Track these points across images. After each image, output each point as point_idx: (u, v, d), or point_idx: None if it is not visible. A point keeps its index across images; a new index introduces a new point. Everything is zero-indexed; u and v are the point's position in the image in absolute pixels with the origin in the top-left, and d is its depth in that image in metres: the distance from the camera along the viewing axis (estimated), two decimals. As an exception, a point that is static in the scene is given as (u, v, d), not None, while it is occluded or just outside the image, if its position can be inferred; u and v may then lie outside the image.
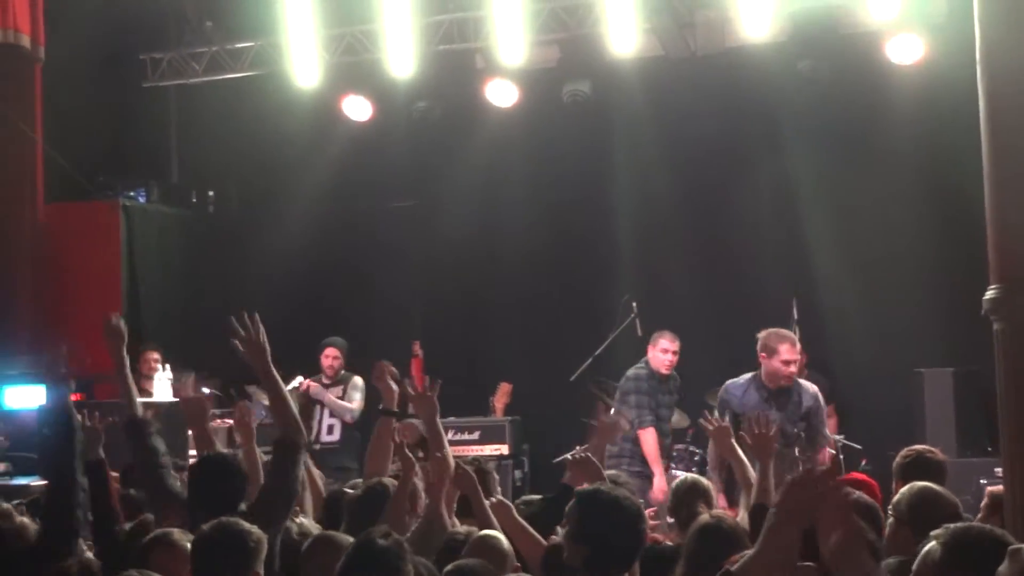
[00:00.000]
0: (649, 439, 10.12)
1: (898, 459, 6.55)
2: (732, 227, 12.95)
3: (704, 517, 5.16)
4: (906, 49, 11.48)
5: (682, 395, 10.80)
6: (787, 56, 11.84)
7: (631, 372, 10.42)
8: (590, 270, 13.37)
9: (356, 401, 11.53)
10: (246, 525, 4.53)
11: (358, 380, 11.55)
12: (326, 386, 11.59)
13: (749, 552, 3.82)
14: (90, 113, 13.33)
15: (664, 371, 10.39)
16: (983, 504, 6.12)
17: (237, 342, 5.45)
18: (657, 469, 10.09)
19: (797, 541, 3.49)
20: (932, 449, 6.71)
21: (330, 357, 11.66)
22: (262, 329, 5.57)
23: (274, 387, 5.55)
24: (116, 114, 13.76)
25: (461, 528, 5.78)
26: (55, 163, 12.90)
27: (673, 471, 10.62)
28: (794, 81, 11.88)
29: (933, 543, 3.83)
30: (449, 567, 4.73)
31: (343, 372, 11.71)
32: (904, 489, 5.34)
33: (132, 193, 13.47)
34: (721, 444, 7.00)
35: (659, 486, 9.89)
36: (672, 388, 10.58)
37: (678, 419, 11.09)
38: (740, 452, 6.76)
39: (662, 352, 10.38)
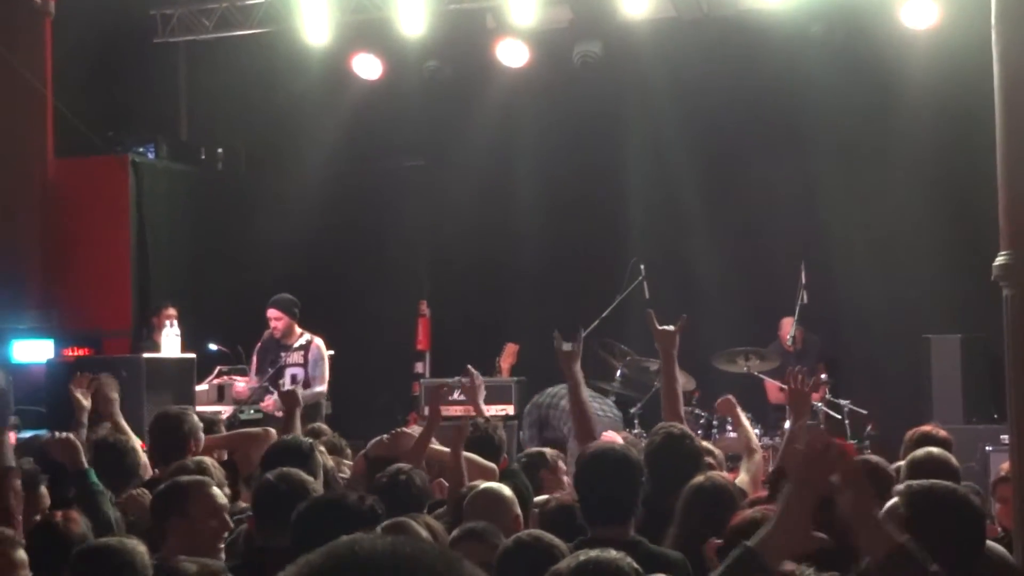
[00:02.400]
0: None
1: (905, 440, 6.59)
2: (742, 190, 12.92)
3: (697, 478, 5.18)
4: (921, 13, 11.42)
5: None
6: (800, 19, 11.77)
7: None
8: (598, 232, 13.36)
9: (322, 383, 10.56)
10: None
11: (318, 348, 10.62)
12: (285, 348, 10.61)
13: (763, 521, 3.81)
14: (100, 68, 13.30)
15: None
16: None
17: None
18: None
19: (814, 510, 3.49)
20: (937, 428, 6.76)
21: (272, 319, 10.66)
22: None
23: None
24: (126, 70, 13.71)
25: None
26: (64, 118, 12.88)
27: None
28: (807, 45, 11.82)
29: (896, 500, 3.85)
30: (456, 532, 4.73)
31: (299, 334, 10.66)
32: (908, 457, 5.36)
33: (141, 149, 13.45)
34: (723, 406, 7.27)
35: None
36: None
37: (684, 382, 11.06)
38: (742, 415, 6.95)
39: None
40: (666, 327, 6.47)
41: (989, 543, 4.81)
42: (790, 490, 3.47)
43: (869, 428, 10.77)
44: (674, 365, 6.48)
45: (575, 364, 6.58)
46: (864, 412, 10.91)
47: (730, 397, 7.53)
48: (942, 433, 6.61)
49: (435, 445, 6.45)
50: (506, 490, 5.29)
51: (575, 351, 6.63)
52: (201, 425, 6.81)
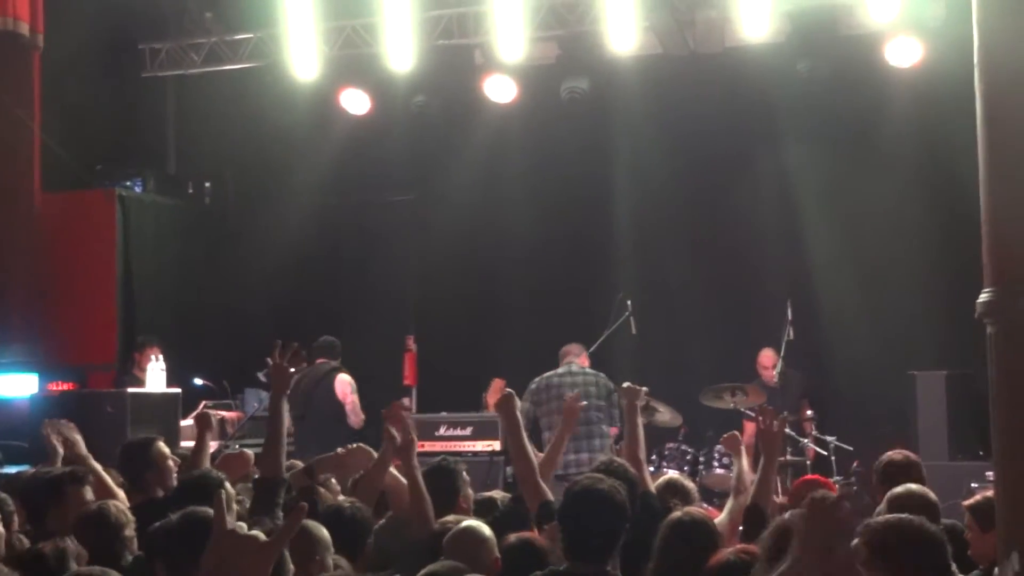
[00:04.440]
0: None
1: (877, 466, 6.58)
2: (728, 226, 12.96)
3: (675, 513, 5.17)
4: (904, 51, 11.50)
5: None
6: (786, 56, 11.85)
7: None
8: (586, 267, 13.37)
9: None
10: None
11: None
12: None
13: (740, 564, 3.79)
14: (88, 102, 13.32)
15: None
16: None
17: (269, 360, 5.45)
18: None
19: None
20: (907, 453, 6.74)
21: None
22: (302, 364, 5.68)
23: (277, 423, 5.46)
24: (114, 104, 13.74)
25: None
26: (52, 152, 12.88)
27: (664, 469, 10.63)
28: (792, 81, 11.88)
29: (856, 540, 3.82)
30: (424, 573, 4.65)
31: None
32: (888, 494, 5.35)
33: (129, 183, 13.45)
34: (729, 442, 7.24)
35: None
36: None
37: (671, 418, 11.09)
38: (744, 454, 6.95)
39: None
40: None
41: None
42: (794, 558, 3.40)
43: (855, 464, 10.77)
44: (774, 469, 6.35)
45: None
46: (850, 448, 10.92)
47: (735, 433, 7.52)
48: (912, 457, 6.59)
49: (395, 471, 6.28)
50: (486, 530, 5.24)
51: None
52: (167, 452, 6.80)
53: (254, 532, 2.61)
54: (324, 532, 4.96)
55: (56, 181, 13.17)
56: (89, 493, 5.99)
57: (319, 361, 11.12)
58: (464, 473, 6.45)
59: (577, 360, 10.56)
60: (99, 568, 4.41)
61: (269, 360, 5.49)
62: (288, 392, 5.50)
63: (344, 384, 11.09)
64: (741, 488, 6.76)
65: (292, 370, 5.45)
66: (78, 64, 13.02)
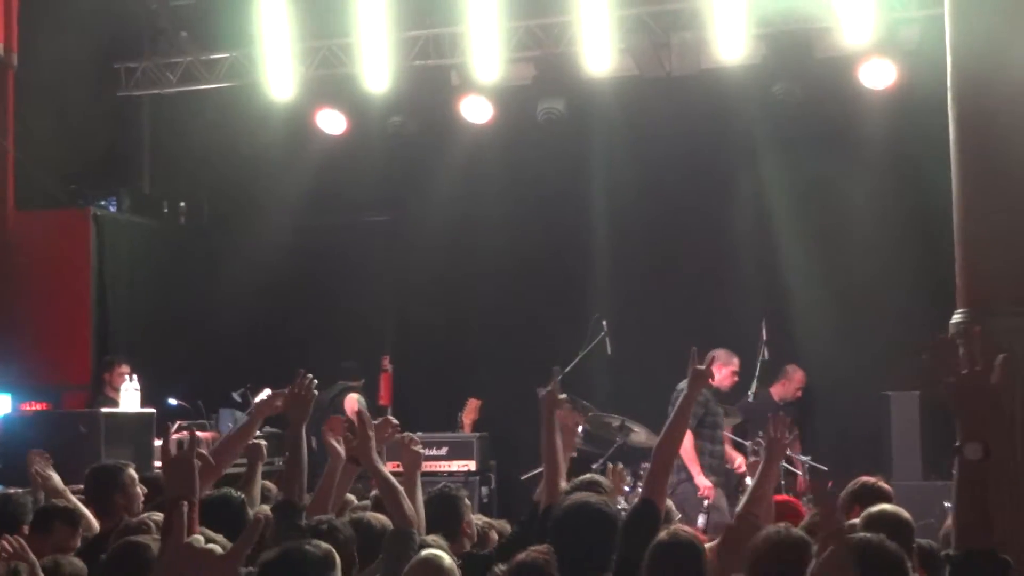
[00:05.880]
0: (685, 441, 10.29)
1: (848, 488, 6.56)
2: (704, 247, 12.99)
3: (661, 535, 5.16)
4: (879, 74, 11.57)
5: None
6: (761, 78, 11.91)
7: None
8: (561, 288, 13.38)
9: None
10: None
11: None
12: None
13: None
14: (63, 121, 13.27)
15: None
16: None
17: (287, 392, 5.56)
18: (694, 469, 10.61)
19: None
20: (878, 481, 6.72)
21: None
22: (314, 391, 5.75)
23: (298, 449, 5.56)
24: (89, 123, 13.69)
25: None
26: (26, 171, 12.84)
27: (640, 490, 10.62)
28: (768, 103, 11.95)
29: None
30: None
31: None
32: (863, 514, 5.35)
33: (103, 202, 13.41)
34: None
35: (701, 484, 10.62)
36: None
37: (646, 439, 11.07)
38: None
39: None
40: (700, 366, 6.30)
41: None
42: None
43: (830, 485, 10.78)
44: (692, 403, 6.28)
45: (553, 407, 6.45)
46: (824, 468, 10.94)
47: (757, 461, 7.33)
48: (883, 485, 6.59)
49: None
50: (446, 559, 5.20)
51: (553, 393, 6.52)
52: (135, 477, 6.78)
53: (211, 546, 2.60)
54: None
55: (30, 200, 13.12)
56: (77, 538, 5.98)
57: (338, 382, 11.82)
58: (466, 499, 6.43)
59: None
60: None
61: (287, 389, 5.62)
62: (306, 419, 5.62)
63: (352, 402, 11.55)
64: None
65: (309, 396, 5.59)
66: (53, 83, 12.99)
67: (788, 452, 10.97)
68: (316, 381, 5.85)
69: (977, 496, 3.45)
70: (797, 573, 4.02)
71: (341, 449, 6.22)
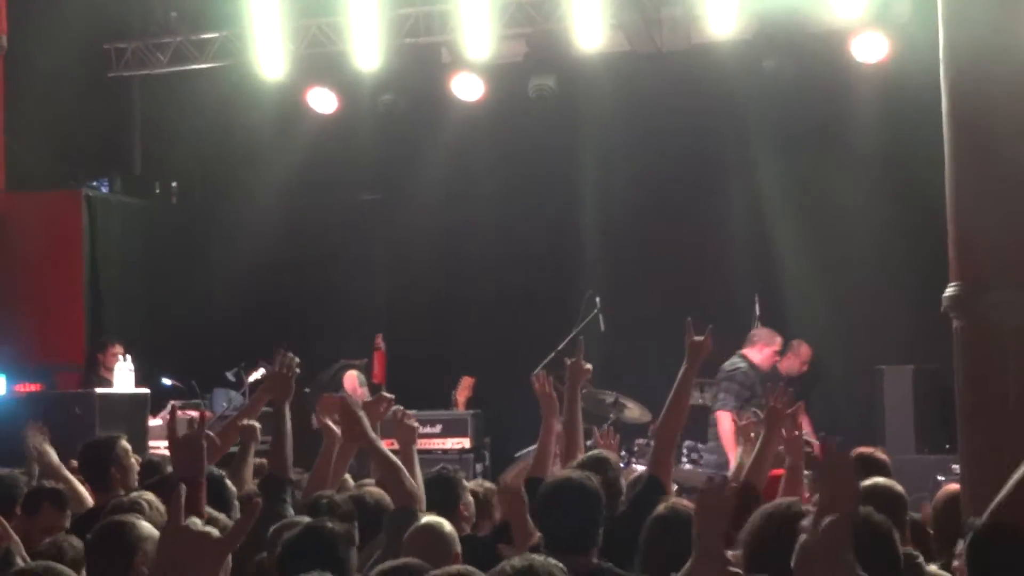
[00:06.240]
0: (725, 421, 10.40)
1: None
2: (696, 223, 12.99)
3: (659, 508, 5.18)
4: (871, 48, 11.55)
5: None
6: (752, 54, 11.89)
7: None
8: (554, 265, 13.38)
9: None
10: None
11: None
12: None
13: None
14: (53, 103, 13.24)
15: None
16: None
17: (266, 369, 5.58)
18: (731, 455, 10.22)
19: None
20: (876, 451, 6.76)
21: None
22: (296, 369, 5.78)
23: (282, 425, 5.59)
24: (79, 104, 13.66)
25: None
26: (17, 152, 12.81)
27: (634, 466, 10.65)
28: (759, 78, 11.93)
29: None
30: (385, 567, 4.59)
31: None
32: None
33: (95, 183, 13.39)
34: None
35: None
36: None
37: (640, 414, 11.11)
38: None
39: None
40: (699, 337, 6.28)
41: (934, 569, 4.84)
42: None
43: (836, 442, 10.80)
44: (693, 375, 6.30)
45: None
46: (817, 442, 10.95)
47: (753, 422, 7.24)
48: (878, 455, 6.62)
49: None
50: (447, 526, 5.22)
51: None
52: (130, 450, 6.78)
53: (207, 529, 2.61)
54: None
55: (21, 182, 13.09)
56: (65, 519, 5.99)
57: (340, 360, 12.04)
58: (464, 480, 6.43)
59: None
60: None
61: (266, 367, 5.62)
62: (290, 397, 5.60)
63: (352, 378, 11.70)
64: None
65: (290, 375, 5.60)
66: (43, 65, 12.95)
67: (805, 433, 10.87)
68: (298, 360, 5.83)
69: None
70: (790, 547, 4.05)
71: (336, 429, 6.23)
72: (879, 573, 3.70)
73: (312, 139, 13.55)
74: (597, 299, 11.52)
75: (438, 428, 11.89)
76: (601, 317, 11.46)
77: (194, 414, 10.31)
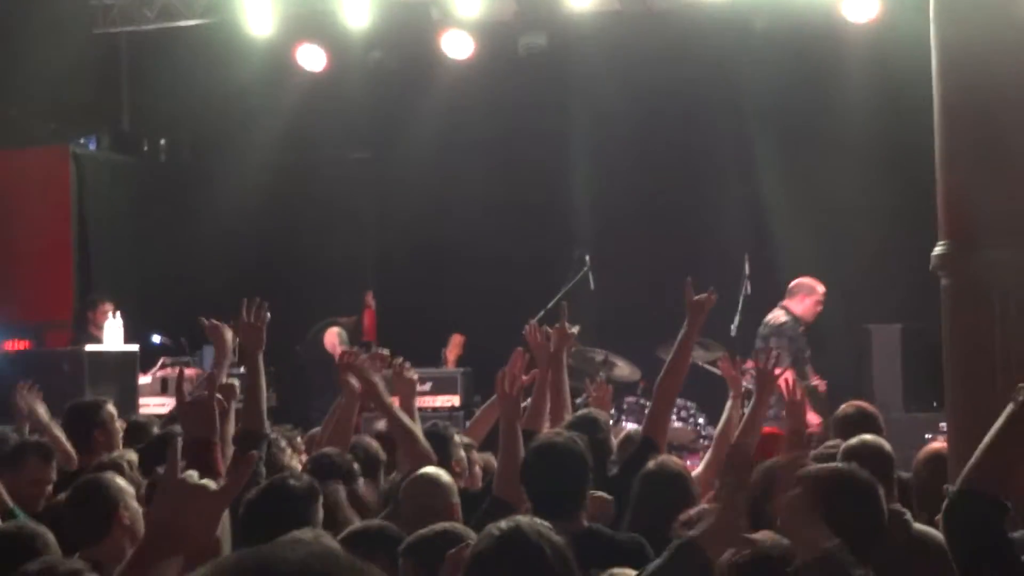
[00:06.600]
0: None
1: (836, 415, 6.64)
2: (686, 182, 13.01)
3: (649, 464, 5.21)
4: (861, 7, 11.52)
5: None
6: (743, 13, 11.86)
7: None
8: (544, 223, 13.39)
9: None
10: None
11: None
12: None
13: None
14: (39, 59, 13.16)
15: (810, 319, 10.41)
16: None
17: (236, 322, 5.52)
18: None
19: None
20: (865, 404, 6.80)
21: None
22: (266, 318, 5.68)
23: (255, 376, 5.51)
24: (66, 60, 13.57)
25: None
26: (3, 109, 12.74)
27: (624, 423, 10.70)
28: (750, 38, 11.91)
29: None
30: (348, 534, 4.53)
31: None
32: (843, 445, 5.39)
33: (82, 140, 13.34)
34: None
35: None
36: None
37: (629, 372, 11.16)
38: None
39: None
40: (700, 296, 6.23)
41: (920, 526, 4.88)
42: (729, 488, 3.53)
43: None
44: (695, 336, 6.27)
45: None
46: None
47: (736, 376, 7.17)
48: (868, 408, 6.66)
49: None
50: (444, 476, 5.25)
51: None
52: (114, 413, 6.80)
53: (205, 481, 2.63)
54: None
55: (8, 139, 13.03)
56: (51, 471, 6.05)
57: (328, 318, 12.07)
58: (456, 437, 6.45)
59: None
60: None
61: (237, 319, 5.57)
62: (262, 348, 5.55)
63: (332, 335, 11.68)
64: (724, 440, 6.47)
65: (260, 326, 5.54)
66: (28, 21, 12.86)
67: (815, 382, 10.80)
68: (268, 314, 5.78)
69: (1011, 445, 3.37)
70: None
71: (357, 386, 6.27)
72: (862, 528, 3.75)
73: (301, 96, 13.50)
74: (587, 257, 11.54)
75: (428, 386, 11.90)
76: (591, 275, 11.48)
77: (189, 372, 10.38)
